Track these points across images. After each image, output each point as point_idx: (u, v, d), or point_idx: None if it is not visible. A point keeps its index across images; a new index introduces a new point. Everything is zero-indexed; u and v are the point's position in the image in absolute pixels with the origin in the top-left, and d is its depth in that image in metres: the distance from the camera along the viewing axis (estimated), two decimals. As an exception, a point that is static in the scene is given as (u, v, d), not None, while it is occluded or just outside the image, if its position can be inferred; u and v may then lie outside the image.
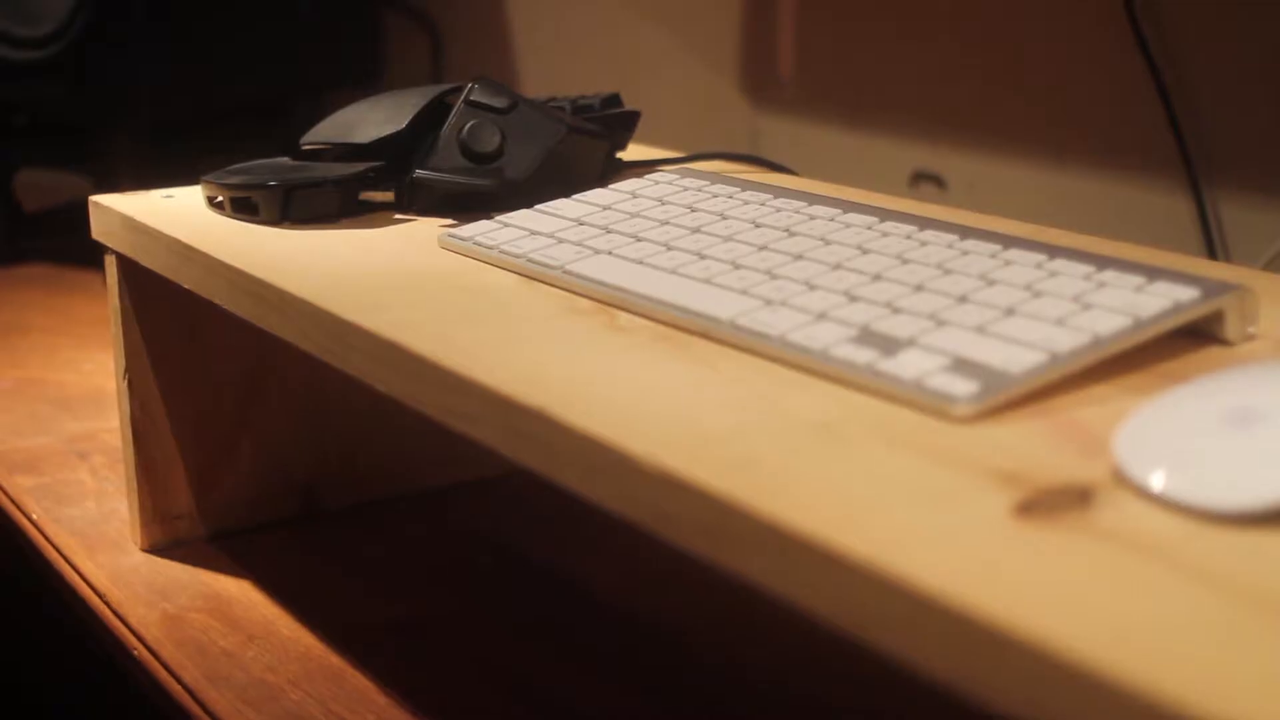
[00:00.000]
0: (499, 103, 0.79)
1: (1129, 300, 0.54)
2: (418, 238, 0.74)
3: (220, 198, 0.78)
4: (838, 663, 0.72)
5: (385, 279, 0.66)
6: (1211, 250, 0.85)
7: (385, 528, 0.90)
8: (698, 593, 0.79)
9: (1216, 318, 0.55)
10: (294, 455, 0.89)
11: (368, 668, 0.74)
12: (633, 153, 0.92)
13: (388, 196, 0.80)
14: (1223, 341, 0.55)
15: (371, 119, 0.81)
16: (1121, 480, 0.43)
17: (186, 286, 0.73)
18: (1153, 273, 0.56)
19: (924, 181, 1.02)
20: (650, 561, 0.83)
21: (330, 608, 0.80)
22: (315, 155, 0.82)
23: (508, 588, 0.83)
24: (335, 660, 0.75)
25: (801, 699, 0.72)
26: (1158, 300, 0.53)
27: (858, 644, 0.39)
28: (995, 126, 0.98)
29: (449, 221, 0.76)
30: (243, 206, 0.77)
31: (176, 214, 0.78)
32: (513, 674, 0.74)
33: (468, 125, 0.77)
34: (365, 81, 1.46)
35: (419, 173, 0.77)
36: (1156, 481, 0.42)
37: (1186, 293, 0.54)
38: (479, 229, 0.71)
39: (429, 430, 0.63)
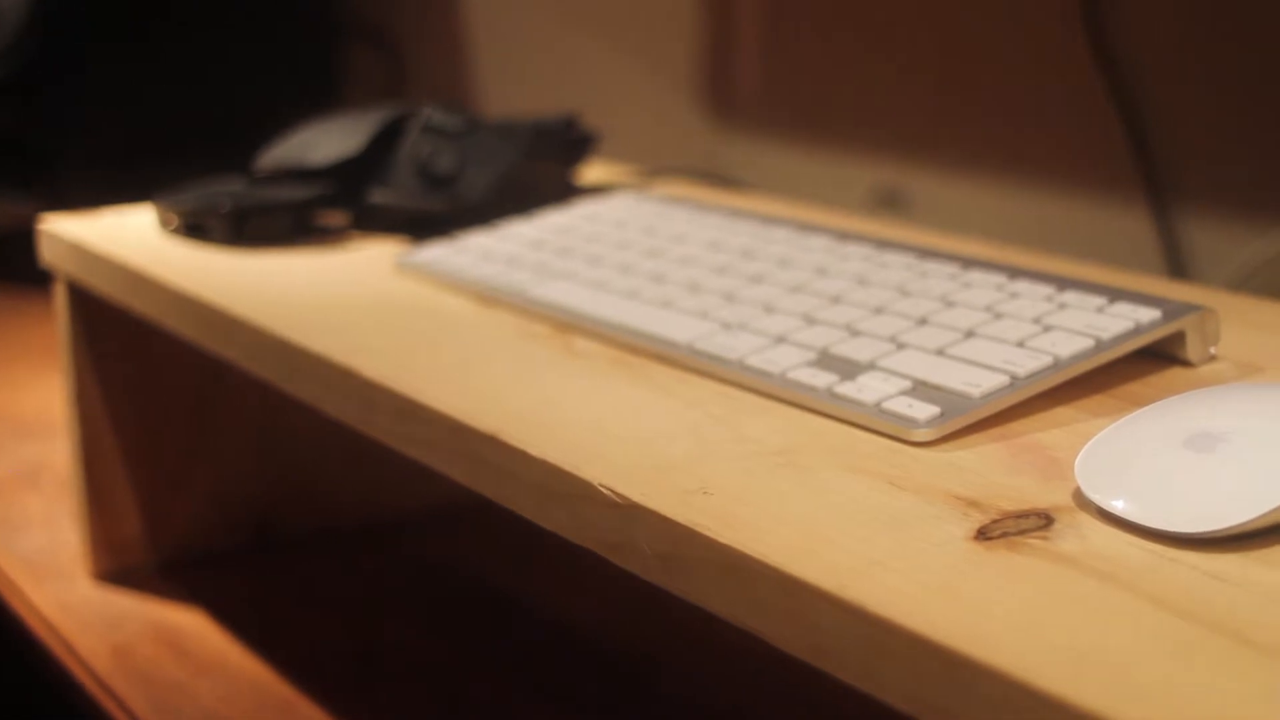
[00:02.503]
0: (455, 125, 0.78)
1: (1090, 322, 0.53)
2: (373, 261, 0.73)
3: (173, 221, 0.77)
4: (801, 690, 0.71)
5: (339, 303, 0.65)
6: (1174, 270, 0.85)
7: (341, 557, 0.89)
8: (664, 620, 0.79)
9: (1178, 339, 0.54)
10: (248, 483, 0.88)
11: (322, 700, 0.73)
12: (592, 172, 0.91)
13: (343, 219, 0.80)
14: (1184, 363, 0.55)
15: (327, 141, 0.80)
16: (1083, 504, 0.43)
17: (137, 311, 0.72)
18: (1114, 294, 0.55)
19: (884, 200, 1.02)
20: (614, 589, 0.82)
21: (284, 639, 0.79)
22: (271, 176, 0.81)
23: (467, 618, 0.82)
24: (288, 692, 0.73)
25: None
26: (1119, 321, 0.53)
27: (819, 671, 0.39)
28: (956, 145, 0.97)
29: (405, 244, 0.75)
30: (195, 230, 0.76)
31: (127, 238, 0.77)
32: (471, 706, 0.73)
33: (424, 148, 0.77)
34: (323, 101, 1.44)
35: (375, 196, 0.76)
36: (1118, 505, 0.42)
37: (1148, 314, 0.54)
38: (435, 252, 0.70)
39: (385, 458, 0.62)
